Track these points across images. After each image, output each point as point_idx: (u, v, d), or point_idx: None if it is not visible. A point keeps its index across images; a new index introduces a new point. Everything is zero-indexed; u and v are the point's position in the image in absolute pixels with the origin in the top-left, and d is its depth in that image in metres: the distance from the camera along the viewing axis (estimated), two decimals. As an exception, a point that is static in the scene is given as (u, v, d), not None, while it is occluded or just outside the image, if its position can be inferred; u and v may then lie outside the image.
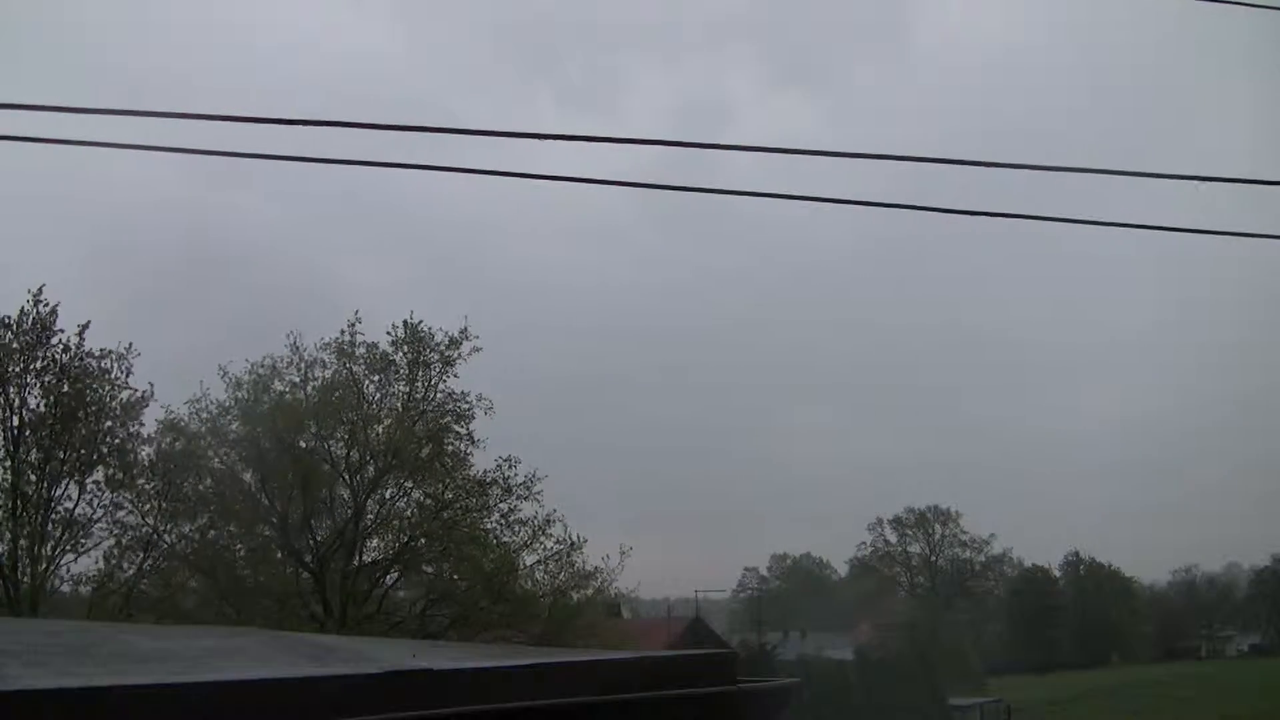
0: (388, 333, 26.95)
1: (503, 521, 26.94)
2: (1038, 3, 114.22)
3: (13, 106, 6.23)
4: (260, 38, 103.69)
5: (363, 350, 26.86)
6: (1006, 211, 8.38)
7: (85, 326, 22.63)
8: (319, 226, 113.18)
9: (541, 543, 26.94)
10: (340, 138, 6.98)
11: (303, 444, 26.25)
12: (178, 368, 25.72)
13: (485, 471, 27.06)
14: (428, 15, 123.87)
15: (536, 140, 7.68)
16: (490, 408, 27.11)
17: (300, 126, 6.78)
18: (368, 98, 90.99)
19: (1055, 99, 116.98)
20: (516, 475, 26.87)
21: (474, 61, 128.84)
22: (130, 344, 23.17)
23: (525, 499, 26.81)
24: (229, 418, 25.82)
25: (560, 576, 27.13)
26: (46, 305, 22.17)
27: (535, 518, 26.83)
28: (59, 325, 22.32)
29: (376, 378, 27.02)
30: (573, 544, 27.02)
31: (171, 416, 24.92)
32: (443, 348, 26.94)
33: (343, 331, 26.80)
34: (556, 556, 26.98)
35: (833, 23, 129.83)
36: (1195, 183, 7.91)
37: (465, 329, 26.92)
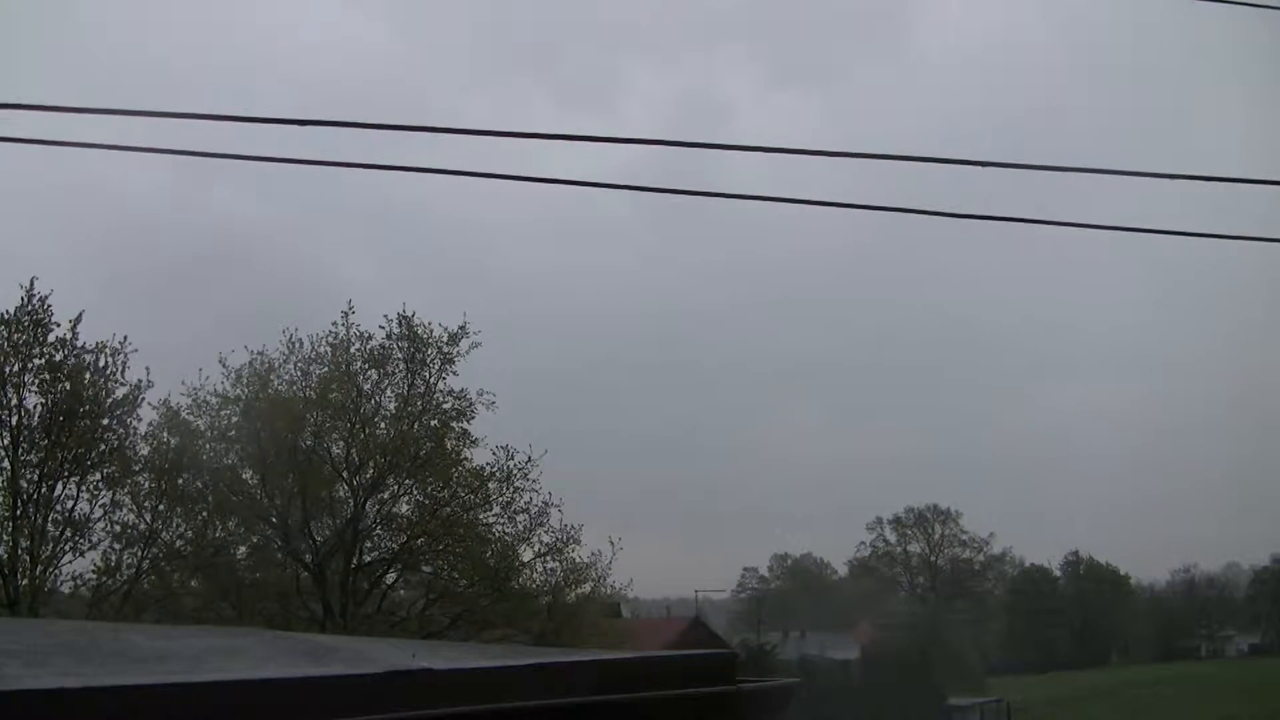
0: (381, 326, 26.65)
1: (503, 514, 26.88)
2: (1037, 2, 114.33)
3: (13, 106, 6.23)
4: (258, 37, 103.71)
5: (357, 346, 26.56)
6: (1004, 215, 8.40)
7: (78, 319, 22.32)
8: (316, 226, 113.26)
9: (539, 536, 26.93)
10: (337, 137, 6.99)
11: (302, 444, 26.11)
12: (176, 367, 25.41)
13: (485, 466, 27.01)
14: (425, 14, 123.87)
15: (534, 140, 7.68)
16: (493, 402, 27.01)
17: (298, 126, 6.78)
18: (364, 97, 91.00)
19: (1054, 98, 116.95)
20: (514, 463, 26.69)
21: (472, 60, 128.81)
22: (125, 337, 22.94)
23: (522, 488, 26.68)
24: (228, 411, 25.62)
25: (558, 573, 27.11)
26: (40, 299, 21.92)
27: (532, 504, 26.77)
28: (55, 321, 22.14)
29: (374, 374, 26.87)
30: (569, 536, 27.01)
31: (170, 409, 24.63)
32: (441, 343, 26.79)
33: (336, 323, 26.51)
34: (554, 549, 26.93)
35: (832, 21, 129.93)
36: (1173, 180, 7.92)
37: (464, 325, 26.71)
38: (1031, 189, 8.92)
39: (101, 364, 22.59)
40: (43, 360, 21.92)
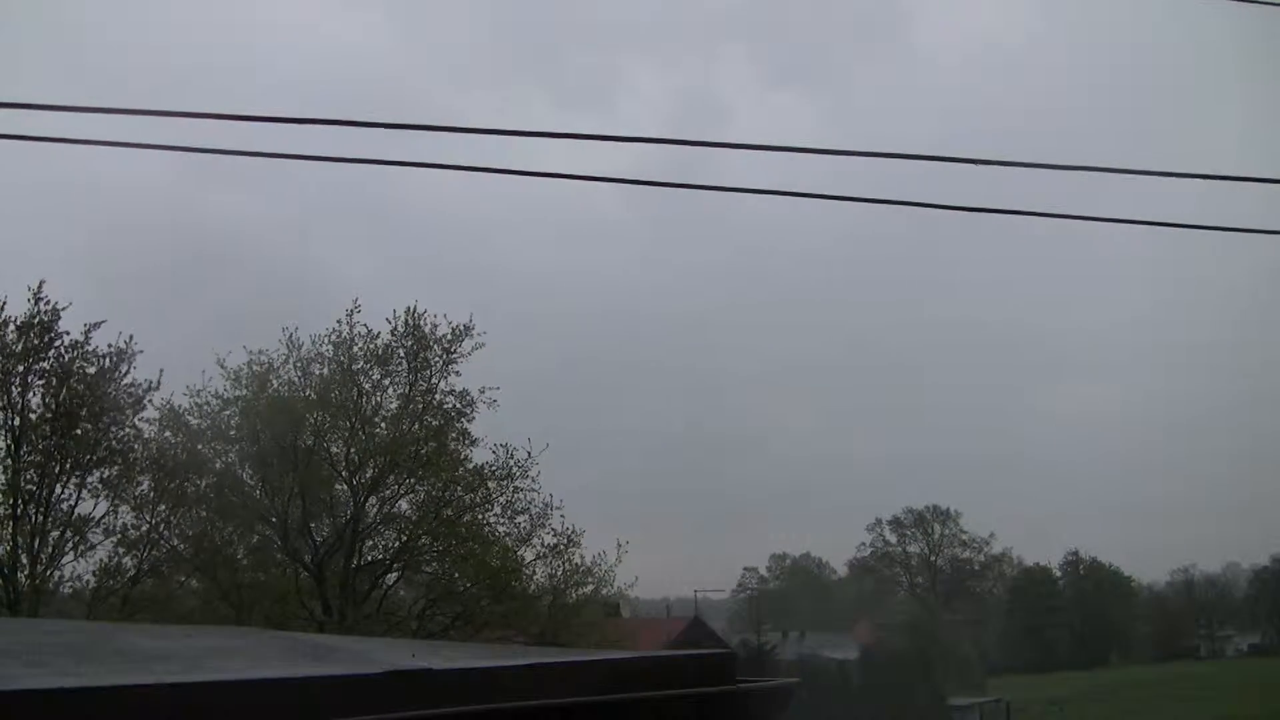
0: (388, 320, 26.41)
1: (503, 514, 26.79)
2: (1036, 2, 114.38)
3: (13, 106, 6.23)
4: (258, 36, 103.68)
5: (361, 345, 26.34)
6: (1003, 208, 8.39)
7: (96, 326, 22.39)
8: (315, 223, 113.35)
9: (540, 537, 26.84)
10: (338, 135, 6.98)
11: (302, 444, 26.01)
12: (176, 367, 25.25)
13: (485, 464, 26.86)
14: (425, 13, 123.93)
15: (535, 139, 7.68)
16: (494, 400, 26.82)
17: (298, 125, 6.78)
18: (365, 95, 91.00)
19: (1053, 98, 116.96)
20: (513, 460, 26.54)
21: (471, 59, 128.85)
22: (131, 337, 22.86)
23: (522, 487, 26.61)
24: (229, 412, 25.50)
25: (559, 574, 27.03)
26: (49, 303, 21.93)
27: (533, 504, 26.68)
28: (64, 330, 22.09)
29: (376, 373, 26.72)
30: (570, 539, 26.93)
31: (171, 408, 24.51)
32: (446, 340, 26.53)
33: (340, 321, 26.21)
34: (555, 550, 26.84)
35: (831, 21, 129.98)
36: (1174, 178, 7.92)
37: (470, 325, 26.47)
38: (1033, 187, 8.92)
39: (107, 366, 22.56)
40: (48, 364, 21.89)
